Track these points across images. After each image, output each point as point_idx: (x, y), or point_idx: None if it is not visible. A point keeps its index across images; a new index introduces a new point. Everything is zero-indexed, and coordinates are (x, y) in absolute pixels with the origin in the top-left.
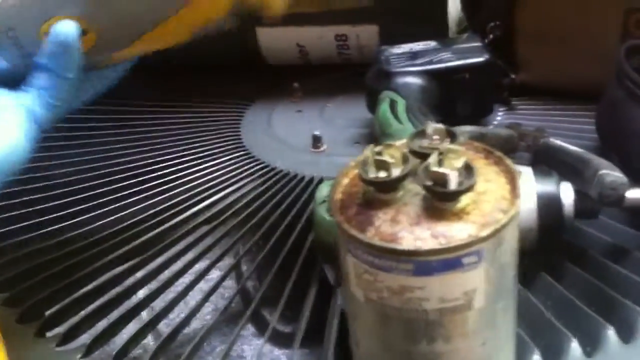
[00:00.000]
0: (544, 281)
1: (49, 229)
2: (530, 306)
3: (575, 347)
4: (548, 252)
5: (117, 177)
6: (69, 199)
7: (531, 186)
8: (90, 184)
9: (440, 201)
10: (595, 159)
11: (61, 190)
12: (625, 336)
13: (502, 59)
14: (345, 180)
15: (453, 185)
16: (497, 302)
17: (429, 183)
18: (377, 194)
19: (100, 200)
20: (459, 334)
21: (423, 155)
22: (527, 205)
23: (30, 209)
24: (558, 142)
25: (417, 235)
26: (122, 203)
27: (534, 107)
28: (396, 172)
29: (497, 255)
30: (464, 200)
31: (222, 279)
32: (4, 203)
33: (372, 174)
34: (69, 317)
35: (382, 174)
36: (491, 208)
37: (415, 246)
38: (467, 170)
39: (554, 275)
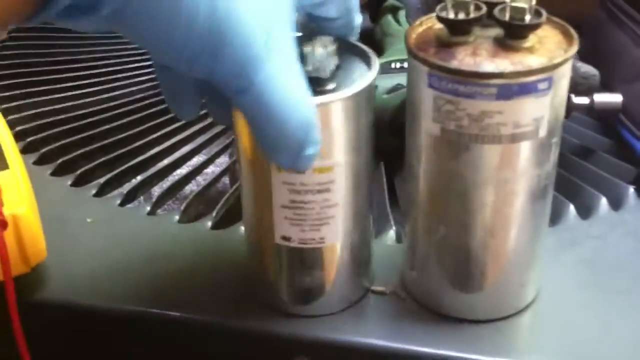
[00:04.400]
0: None
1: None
2: None
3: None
4: None
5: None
6: None
7: None
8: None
9: (513, 38)
10: (576, 60)
11: None
12: (584, 214)
13: None
14: (418, 29)
15: (528, 19)
16: (553, 136)
17: (507, 17)
18: (451, 37)
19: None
20: (524, 161)
21: (492, 5)
22: None
23: None
24: None
25: (498, 63)
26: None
27: None
28: (472, 15)
29: (559, 88)
30: (531, 40)
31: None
32: None
33: (450, 15)
34: (82, 166)
35: (460, 16)
36: (554, 47)
37: (499, 69)
38: (536, 12)
39: None
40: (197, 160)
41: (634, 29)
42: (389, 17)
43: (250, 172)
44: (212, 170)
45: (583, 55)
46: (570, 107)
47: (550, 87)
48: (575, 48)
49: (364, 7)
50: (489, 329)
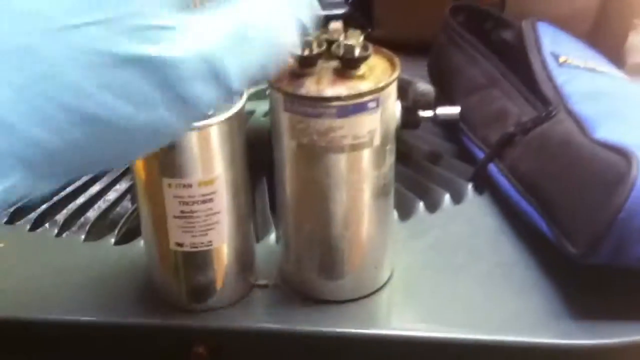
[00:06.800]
0: None
1: None
2: None
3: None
4: None
5: None
6: None
7: None
8: None
9: (348, 68)
10: (417, 81)
11: None
12: (431, 208)
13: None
14: None
15: (357, 53)
16: (386, 144)
17: (341, 53)
18: (301, 69)
19: None
20: (365, 165)
21: (331, 42)
22: None
23: None
24: None
25: (337, 89)
26: None
27: None
28: (315, 51)
29: (387, 106)
30: (363, 68)
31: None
32: None
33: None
34: None
35: (306, 52)
36: (381, 74)
37: (337, 94)
38: (364, 47)
39: None
40: (97, 187)
41: (469, 50)
42: None
43: (145, 189)
44: (112, 195)
45: (432, 73)
46: (418, 119)
47: (379, 105)
48: (397, 74)
49: None
50: (354, 307)
